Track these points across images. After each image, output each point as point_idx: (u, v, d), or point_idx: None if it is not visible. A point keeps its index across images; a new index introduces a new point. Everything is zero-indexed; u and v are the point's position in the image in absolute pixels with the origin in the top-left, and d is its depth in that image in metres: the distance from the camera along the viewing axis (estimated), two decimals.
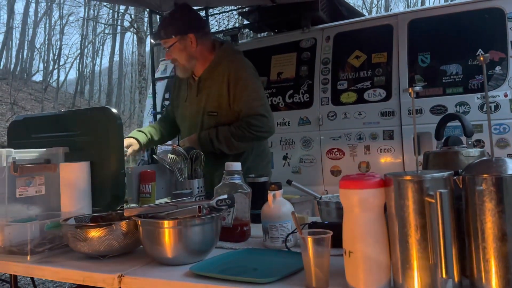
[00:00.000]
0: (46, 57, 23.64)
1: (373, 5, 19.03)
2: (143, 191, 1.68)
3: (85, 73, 25.37)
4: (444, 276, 0.75)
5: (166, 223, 1.09)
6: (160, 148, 1.74)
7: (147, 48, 11.34)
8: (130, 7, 15.16)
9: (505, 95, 2.85)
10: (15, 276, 1.47)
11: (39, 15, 24.01)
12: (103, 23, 23.27)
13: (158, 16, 3.99)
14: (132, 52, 25.24)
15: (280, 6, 3.67)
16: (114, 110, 1.55)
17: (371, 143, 3.22)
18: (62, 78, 24.76)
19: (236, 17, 4.59)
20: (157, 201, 1.68)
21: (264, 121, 1.91)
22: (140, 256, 1.21)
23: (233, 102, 1.91)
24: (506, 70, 2.87)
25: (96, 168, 1.51)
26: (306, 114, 3.49)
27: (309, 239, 0.89)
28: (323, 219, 1.37)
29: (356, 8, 5.24)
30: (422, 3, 17.76)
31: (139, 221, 1.14)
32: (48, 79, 22.21)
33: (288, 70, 3.64)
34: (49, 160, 1.54)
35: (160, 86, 4.35)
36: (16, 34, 24.07)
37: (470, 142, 1.07)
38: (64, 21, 24.08)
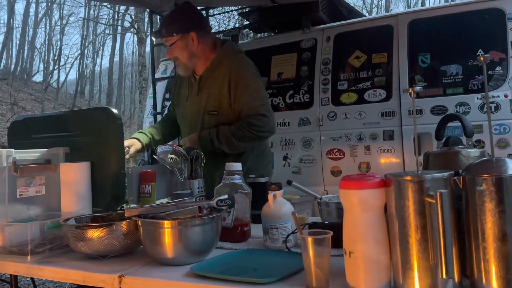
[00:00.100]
0: (46, 58, 23.68)
1: (373, 6, 19.05)
2: (143, 191, 1.68)
3: (85, 73, 25.39)
4: (444, 276, 0.75)
5: (166, 223, 1.09)
6: (160, 148, 1.74)
7: (148, 49, 11.34)
8: (130, 7, 15.17)
9: (505, 96, 2.85)
10: (15, 276, 1.47)
11: (40, 15, 24.04)
12: (103, 24, 23.30)
13: (158, 17, 3.99)
14: (133, 53, 25.28)
15: (280, 7, 3.67)
16: (115, 111, 1.55)
17: (371, 143, 3.22)
18: (62, 78, 24.77)
19: (236, 17, 4.59)
20: (158, 202, 1.68)
21: (265, 121, 1.90)
22: (141, 256, 1.21)
23: (234, 102, 1.91)
24: (506, 70, 2.87)
25: (97, 168, 1.51)
26: (306, 114, 3.48)
27: (309, 239, 0.89)
28: (323, 219, 1.37)
29: (356, 8, 5.23)
30: (422, 4, 17.77)
31: (139, 221, 1.14)
32: (49, 79, 22.22)
33: (289, 70, 3.64)
34: (50, 160, 1.55)
35: (161, 86, 4.36)
36: (17, 34, 24.10)
37: (470, 143, 1.07)
38: (64, 22, 24.10)
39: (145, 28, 12.93)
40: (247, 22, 4.35)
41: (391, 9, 18.70)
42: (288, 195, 1.49)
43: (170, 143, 2.24)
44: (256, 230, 1.34)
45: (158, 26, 3.95)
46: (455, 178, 0.82)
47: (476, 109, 2.91)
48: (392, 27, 3.28)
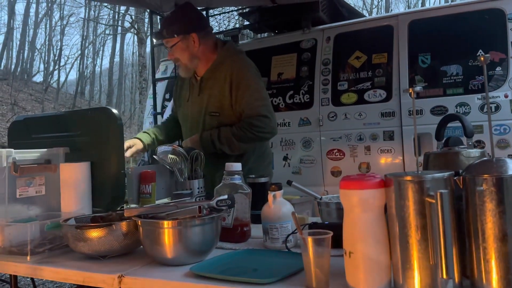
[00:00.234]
0: (46, 58, 23.69)
1: (374, 6, 19.06)
2: (143, 191, 1.68)
3: (85, 73, 25.39)
4: (444, 276, 0.75)
5: (166, 223, 1.09)
6: (160, 149, 1.74)
7: (148, 49, 11.34)
8: (130, 8, 15.17)
9: (506, 96, 2.85)
10: (15, 277, 1.47)
11: (40, 15, 24.06)
12: (103, 24, 23.30)
13: (158, 17, 3.99)
14: (133, 53, 25.30)
15: (280, 7, 3.67)
16: (115, 111, 1.55)
17: (372, 143, 3.22)
18: (62, 78, 24.80)
19: (236, 17, 4.60)
20: (157, 202, 1.68)
21: (266, 122, 1.90)
22: (140, 256, 1.21)
23: (235, 103, 1.91)
24: (506, 70, 2.87)
25: (96, 169, 1.51)
26: (306, 114, 3.48)
27: (309, 240, 0.89)
28: (323, 219, 1.37)
29: (357, 9, 5.24)
30: (423, 4, 17.78)
31: (139, 221, 1.14)
32: (49, 79, 22.24)
33: (289, 70, 3.64)
34: (50, 160, 1.54)
35: (161, 86, 4.36)
36: (17, 34, 24.12)
37: (470, 143, 1.07)
38: (64, 22, 24.12)
39: (145, 29, 12.94)
40: (247, 23, 4.35)
41: (391, 10, 18.71)
42: (288, 195, 1.49)
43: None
44: (256, 230, 1.34)
45: (159, 27, 3.95)
46: (455, 178, 0.82)
47: (476, 109, 2.91)
48: (392, 28, 3.29)
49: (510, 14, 2.89)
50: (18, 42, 23.77)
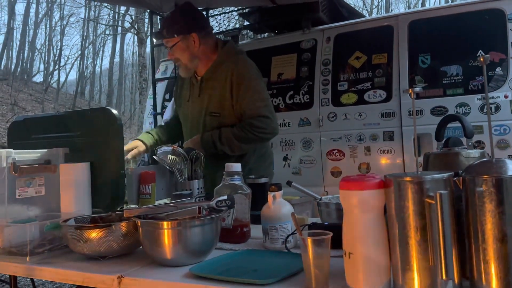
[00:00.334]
0: (46, 58, 23.70)
1: (374, 6, 19.06)
2: (143, 192, 1.67)
3: (85, 74, 25.40)
4: (444, 277, 0.75)
5: (165, 224, 1.09)
6: (160, 149, 1.74)
7: (148, 49, 11.34)
8: (130, 8, 15.17)
9: (506, 96, 2.85)
10: (15, 277, 1.47)
11: (40, 16, 24.07)
12: (103, 24, 23.31)
13: (158, 17, 3.99)
14: (133, 53, 25.29)
15: (280, 7, 3.67)
16: (114, 111, 1.55)
17: (372, 144, 3.22)
18: (62, 79, 24.81)
19: (236, 18, 4.59)
20: (157, 202, 1.68)
21: (268, 122, 1.90)
22: (140, 257, 1.21)
23: (236, 103, 1.90)
24: (506, 71, 2.87)
25: (96, 169, 1.51)
26: (306, 115, 3.48)
27: (309, 240, 0.89)
28: (323, 220, 1.37)
29: (357, 9, 5.24)
30: (423, 4, 17.78)
31: (138, 222, 1.14)
32: (49, 80, 22.25)
33: (289, 71, 3.64)
34: (49, 160, 1.54)
35: (161, 87, 4.36)
36: (17, 35, 24.14)
37: (470, 143, 1.07)
38: (64, 22, 24.13)
39: (145, 29, 12.94)
40: (247, 23, 4.35)
41: (391, 10, 18.72)
42: (288, 195, 1.49)
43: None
44: (256, 231, 1.34)
45: (159, 27, 3.95)
46: (455, 179, 0.82)
47: (476, 109, 2.91)
48: (392, 28, 3.29)
49: (510, 15, 2.89)
50: (18, 42, 23.81)
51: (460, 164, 0.98)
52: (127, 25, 18.16)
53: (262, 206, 1.26)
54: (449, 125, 1.15)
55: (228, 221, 1.29)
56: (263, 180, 1.54)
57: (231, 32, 4.05)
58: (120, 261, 1.18)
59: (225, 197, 1.21)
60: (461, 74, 3.00)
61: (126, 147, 1.86)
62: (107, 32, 24.25)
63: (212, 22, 4.37)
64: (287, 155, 3.53)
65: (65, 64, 24.52)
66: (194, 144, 1.90)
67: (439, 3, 15.90)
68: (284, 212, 1.22)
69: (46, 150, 1.55)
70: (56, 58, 23.29)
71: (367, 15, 14.05)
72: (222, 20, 4.50)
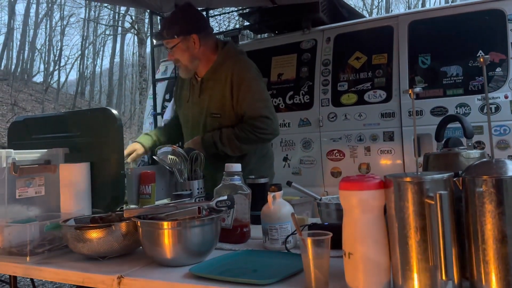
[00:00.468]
0: (46, 58, 23.71)
1: (374, 7, 19.06)
2: (143, 192, 1.67)
3: (85, 74, 25.41)
4: (444, 278, 0.75)
5: (165, 224, 1.09)
6: (160, 149, 1.74)
7: (148, 49, 11.34)
8: (130, 8, 15.18)
9: (506, 97, 2.85)
10: (15, 277, 1.47)
11: (40, 16, 24.08)
12: (104, 24, 23.32)
13: (158, 18, 3.99)
14: (133, 53, 25.29)
15: (280, 8, 3.67)
16: (115, 111, 1.55)
17: (372, 144, 3.22)
18: (62, 79, 24.83)
19: (236, 18, 4.60)
20: (157, 202, 1.68)
21: (268, 123, 1.89)
22: (140, 257, 1.20)
23: (236, 104, 1.90)
24: (506, 71, 2.87)
25: (96, 169, 1.51)
26: (306, 115, 3.49)
27: (309, 241, 0.89)
28: (323, 220, 1.37)
29: (357, 9, 5.24)
30: (423, 5, 17.79)
31: (138, 222, 1.14)
32: (49, 80, 22.26)
33: (289, 71, 3.64)
34: (49, 161, 1.54)
35: (161, 87, 4.36)
36: (17, 35, 24.15)
37: (470, 144, 1.07)
38: (65, 22, 24.15)
39: (146, 29, 12.94)
40: (247, 23, 4.35)
41: (392, 10, 18.73)
42: (288, 196, 1.49)
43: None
44: (256, 231, 1.34)
45: (159, 27, 3.95)
46: (454, 179, 0.82)
47: (476, 110, 2.91)
48: (392, 28, 3.29)
49: (510, 15, 2.89)
50: (18, 43, 23.82)
51: (460, 165, 0.98)
52: (127, 25, 18.17)
53: (262, 206, 1.26)
54: (449, 126, 1.15)
55: (228, 221, 1.29)
56: (263, 181, 1.54)
57: (231, 33, 4.05)
58: (120, 261, 1.18)
59: (225, 197, 1.21)
60: (461, 74, 3.00)
61: (125, 151, 1.87)
62: (107, 32, 24.28)
63: (212, 22, 4.38)
64: (287, 155, 3.53)
65: (65, 64, 24.57)
66: (195, 145, 1.89)
67: (439, 4, 15.91)
68: (284, 213, 1.22)
69: (46, 150, 1.55)
70: (56, 58, 23.32)
71: (367, 15, 14.05)
72: (222, 21, 4.50)
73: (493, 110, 2.86)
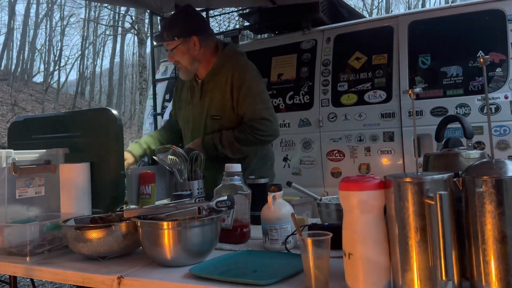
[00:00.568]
0: (46, 58, 23.73)
1: (374, 7, 19.07)
2: (143, 192, 1.67)
3: (85, 74, 25.41)
4: (444, 278, 0.75)
5: (165, 224, 1.09)
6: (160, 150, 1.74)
7: (148, 50, 11.34)
8: (131, 8, 15.19)
9: (506, 97, 2.85)
10: (15, 277, 1.47)
11: (40, 16, 24.10)
12: (104, 25, 23.33)
13: (159, 18, 3.99)
14: (133, 54, 25.30)
15: (280, 8, 3.67)
16: (115, 111, 1.55)
17: (372, 144, 3.22)
18: (62, 79, 24.86)
19: (236, 18, 4.59)
20: (157, 203, 1.68)
21: (268, 124, 1.89)
22: (140, 257, 1.21)
23: (237, 106, 1.90)
24: (506, 72, 2.87)
25: (96, 169, 1.51)
26: (306, 115, 3.48)
27: (309, 241, 0.89)
28: (323, 220, 1.37)
29: (357, 9, 5.24)
30: (423, 5, 17.79)
31: (138, 222, 1.14)
32: (49, 80, 22.27)
33: (289, 71, 3.64)
34: (49, 161, 1.54)
35: (161, 87, 4.36)
36: (17, 35, 24.17)
37: (470, 144, 1.07)
38: (65, 22, 24.16)
39: (146, 29, 12.95)
40: (248, 23, 4.35)
41: (392, 10, 18.73)
42: (288, 196, 1.49)
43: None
44: (256, 231, 1.34)
45: (159, 28, 3.95)
46: (454, 179, 0.82)
47: (476, 110, 2.91)
48: (393, 28, 3.29)
49: (510, 15, 2.89)
50: (18, 43, 23.84)
51: (460, 165, 0.98)
52: (127, 25, 18.17)
53: (262, 206, 1.26)
54: (449, 126, 1.15)
55: (228, 222, 1.29)
56: (263, 181, 1.54)
57: (231, 33, 4.05)
58: (120, 261, 1.18)
59: (225, 197, 1.21)
60: (461, 74, 3.00)
61: None
62: (107, 32, 24.29)
63: (212, 22, 4.38)
64: (287, 155, 3.53)
65: (65, 64, 24.59)
66: (195, 147, 1.88)
67: (439, 4, 15.92)
68: (284, 213, 1.22)
69: (46, 150, 1.55)
70: (56, 59, 23.34)
71: (367, 15, 14.06)
72: (222, 21, 4.50)
73: (493, 111, 2.86)
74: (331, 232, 0.91)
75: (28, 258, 1.21)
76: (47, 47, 23.90)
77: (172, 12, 2.15)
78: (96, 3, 21.08)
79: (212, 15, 4.36)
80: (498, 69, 2.89)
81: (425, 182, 0.79)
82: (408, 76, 3.16)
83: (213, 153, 1.88)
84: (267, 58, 3.74)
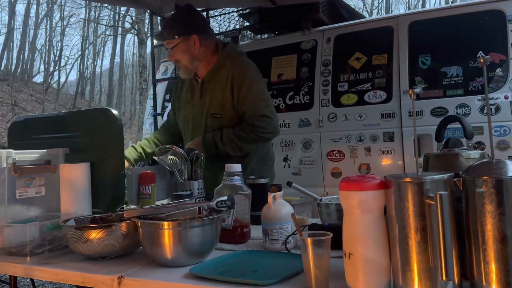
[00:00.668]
0: (47, 58, 23.74)
1: (374, 7, 19.07)
2: (143, 192, 1.67)
3: (86, 74, 25.42)
4: (444, 278, 0.75)
5: (166, 224, 1.09)
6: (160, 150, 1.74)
7: (148, 50, 11.35)
8: (131, 8, 15.19)
9: (506, 97, 2.85)
10: (15, 277, 1.47)
11: (40, 16, 24.10)
12: (104, 25, 23.34)
13: (159, 18, 3.99)
14: (133, 54, 25.31)
15: (281, 8, 3.67)
16: (115, 112, 1.55)
17: (372, 145, 3.22)
18: (63, 79, 24.87)
19: (236, 18, 4.59)
20: (157, 203, 1.68)
21: (269, 122, 1.90)
22: (140, 257, 1.21)
23: (237, 104, 1.90)
24: (506, 72, 2.87)
25: (96, 169, 1.51)
26: (306, 115, 3.48)
27: (309, 241, 0.89)
28: (323, 221, 1.37)
29: (357, 10, 5.24)
30: (423, 5, 17.79)
31: (139, 222, 1.14)
32: (49, 80, 22.27)
33: (289, 71, 3.64)
34: (49, 161, 1.54)
35: (161, 87, 4.36)
36: (17, 35, 24.18)
37: (470, 144, 1.07)
38: (65, 23, 24.16)
39: (146, 29, 12.96)
40: (248, 24, 4.35)
41: (392, 11, 18.73)
42: (288, 196, 1.49)
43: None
44: (256, 231, 1.34)
45: (159, 28, 3.95)
46: (455, 180, 0.82)
47: (476, 110, 2.91)
48: (393, 29, 3.29)
49: (511, 16, 2.89)
50: (18, 43, 23.85)
51: (460, 165, 0.98)
52: (127, 25, 18.18)
53: (262, 206, 1.26)
54: (449, 126, 1.15)
55: (228, 222, 1.29)
56: (263, 181, 1.54)
57: (232, 33, 4.05)
58: (120, 261, 1.18)
59: (225, 197, 1.21)
60: (461, 75, 3.00)
61: None
62: (108, 32, 24.29)
63: (212, 22, 4.38)
64: (287, 155, 3.53)
65: (66, 64, 24.61)
66: (196, 146, 1.89)
67: (439, 4, 15.92)
68: (284, 213, 1.22)
69: (46, 150, 1.55)
70: (56, 59, 23.34)
71: (367, 16, 14.06)
72: (222, 21, 4.50)
73: (493, 111, 2.86)
74: (331, 232, 0.91)
75: (28, 258, 1.21)
76: (47, 47, 23.94)
77: (173, 12, 2.16)
78: (96, 3, 21.08)
79: (212, 15, 4.36)
80: (498, 70, 2.89)
81: (425, 182, 0.79)
82: (408, 76, 3.16)
83: (214, 151, 1.88)
84: (267, 58, 3.74)
